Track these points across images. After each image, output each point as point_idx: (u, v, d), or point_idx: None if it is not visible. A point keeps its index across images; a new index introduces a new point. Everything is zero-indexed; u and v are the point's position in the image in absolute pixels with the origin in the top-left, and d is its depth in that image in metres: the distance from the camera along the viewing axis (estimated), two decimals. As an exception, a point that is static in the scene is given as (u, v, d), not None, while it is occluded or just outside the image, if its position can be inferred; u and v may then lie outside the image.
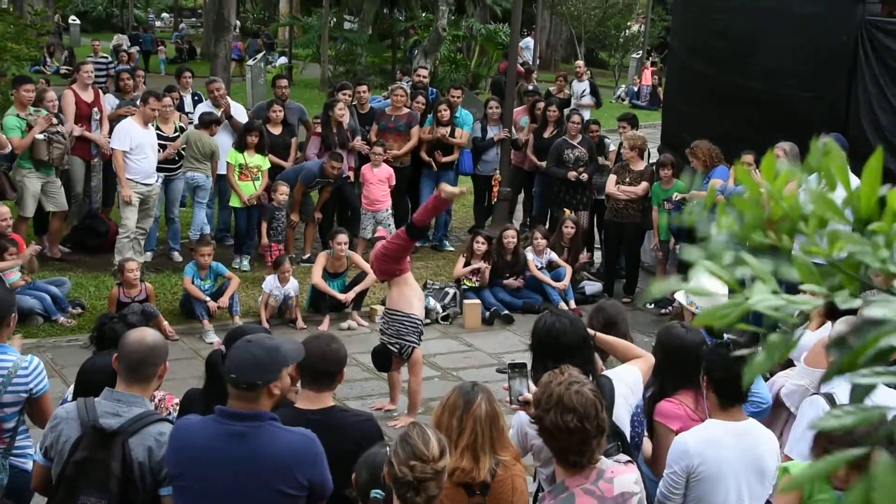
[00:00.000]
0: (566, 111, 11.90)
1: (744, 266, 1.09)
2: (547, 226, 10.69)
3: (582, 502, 2.98)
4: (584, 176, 10.26)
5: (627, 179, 9.70)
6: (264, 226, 9.76)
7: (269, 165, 10.15)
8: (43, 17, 16.70)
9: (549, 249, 9.69)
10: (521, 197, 12.11)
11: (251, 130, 10.05)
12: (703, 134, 9.27)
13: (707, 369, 3.75)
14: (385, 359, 6.66)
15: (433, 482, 2.87)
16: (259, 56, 20.53)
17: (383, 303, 8.16)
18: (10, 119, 9.14)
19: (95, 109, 10.17)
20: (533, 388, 3.37)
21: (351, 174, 10.59)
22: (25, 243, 8.42)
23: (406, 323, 6.53)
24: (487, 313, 9.12)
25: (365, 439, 3.50)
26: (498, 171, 11.63)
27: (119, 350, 3.48)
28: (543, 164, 10.77)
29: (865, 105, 8.34)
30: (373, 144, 10.48)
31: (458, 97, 11.35)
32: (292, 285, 8.78)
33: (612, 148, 11.22)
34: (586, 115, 13.05)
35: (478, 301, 9.14)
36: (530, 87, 13.41)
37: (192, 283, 8.49)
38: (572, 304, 9.37)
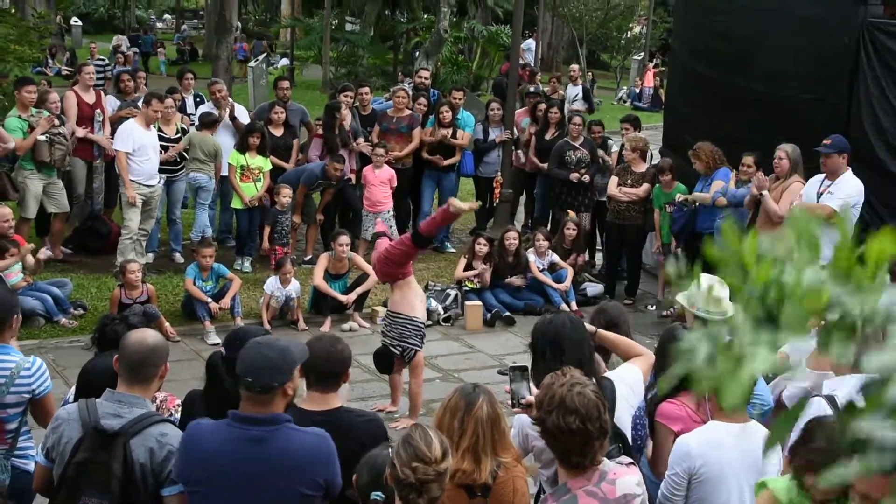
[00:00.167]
0: (567, 113, 11.91)
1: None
2: (548, 227, 10.68)
3: (584, 504, 2.97)
4: (586, 177, 10.26)
5: (629, 181, 9.70)
6: (267, 229, 9.75)
7: (270, 167, 10.16)
8: (45, 20, 16.72)
9: (550, 251, 9.69)
10: (522, 198, 12.11)
11: (253, 132, 10.06)
12: (704, 136, 9.26)
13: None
14: (387, 361, 6.65)
15: (435, 484, 2.88)
16: (261, 58, 20.53)
17: (385, 304, 8.16)
18: (12, 120, 9.15)
19: (97, 111, 10.18)
20: (535, 390, 3.37)
21: (352, 176, 10.60)
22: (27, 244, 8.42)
23: (408, 326, 6.52)
24: (489, 315, 9.12)
25: (371, 440, 3.51)
26: (499, 173, 11.64)
27: (120, 351, 3.48)
28: (545, 165, 10.77)
29: (867, 107, 8.33)
30: (374, 146, 10.48)
31: (460, 99, 11.36)
32: (294, 287, 8.78)
33: (615, 149, 11.21)
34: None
35: (479, 303, 9.14)
36: (532, 89, 13.41)
37: (194, 284, 8.49)
38: (574, 305, 9.37)
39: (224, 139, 10.41)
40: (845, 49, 8.42)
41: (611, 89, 30.08)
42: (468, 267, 9.41)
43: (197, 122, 10.43)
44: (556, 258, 9.70)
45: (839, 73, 8.50)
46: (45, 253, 8.19)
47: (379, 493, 3.02)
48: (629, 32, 31.08)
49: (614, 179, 9.81)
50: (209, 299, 8.44)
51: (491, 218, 11.85)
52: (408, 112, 11.02)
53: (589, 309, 8.30)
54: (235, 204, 10.09)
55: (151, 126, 9.41)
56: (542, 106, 11.51)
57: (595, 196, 10.48)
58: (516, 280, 9.51)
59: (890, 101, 8.24)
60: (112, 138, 9.79)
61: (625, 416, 3.73)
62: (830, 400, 3.89)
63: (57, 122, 9.28)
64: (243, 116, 10.93)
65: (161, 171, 9.55)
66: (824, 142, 7.59)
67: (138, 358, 3.44)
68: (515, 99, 11.85)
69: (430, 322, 8.34)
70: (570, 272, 9.61)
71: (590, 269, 10.71)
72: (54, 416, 3.57)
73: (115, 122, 10.14)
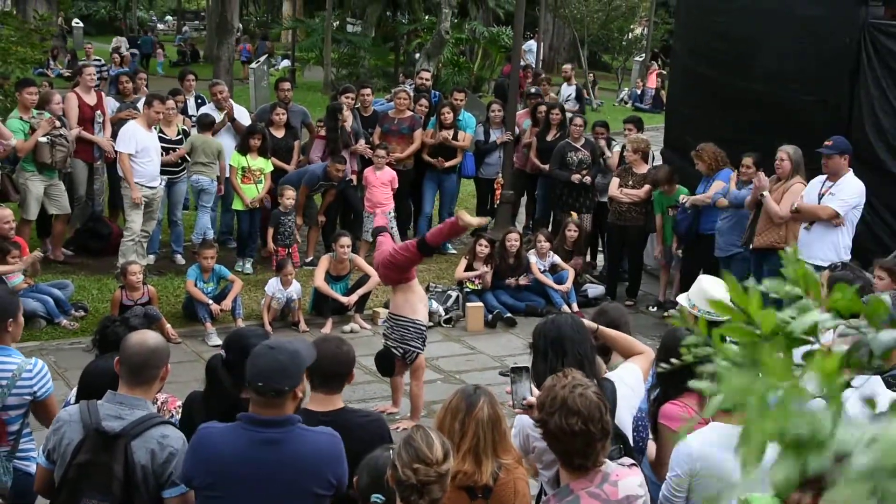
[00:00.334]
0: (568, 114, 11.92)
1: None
2: (549, 229, 10.68)
3: (586, 505, 2.97)
4: (588, 179, 10.26)
5: (630, 182, 9.70)
6: (270, 231, 9.74)
7: (271, 168, 10.16)
8: (47, 22, 16.73)
9: (551, 252, 9.69)
10: (523, 200, 12.12)
11: (254, 133, 10.07)
12: (705, 137, 9.26)
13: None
14: (388, 363, 6.65)
15: (437, 485, 2.88)
16: (262, 59, 20.55)
17: (386, 306, 8.16)
18: (14, 122, 9.16)
19: (98, 112, 10.18)
20: (535, 390, 3.37)
21: (354, 177, 10.61)
22: (28, 246, 8.43)
23: (410, 328, 6.51)
24: (490, 316, 9.11)
25: (375, 440, 3.53)
26: (500, 175, 11.64)
27: (120, 353, 3.48)
28: (546, 166, 10.77)
29: (868, 108, 8.32)
30: (376, 147, 10.49)
31: (461, 100, 11.36)
32: (295, 288, 8.78)
33: (616, 149, 11.21)
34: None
35: (480, 304, 9.13)
36: (532, 90, 13.41)
37: (195, 285, 8.49)
38: (575, 306, 9.36)
39: (225, 141, 10.41)
40: (846, 50, 8.41)
41: (612, 90, 30.07)
42: (469, 268, 9.41)
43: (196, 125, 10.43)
44: (557, 259, 9.69)
45: (840, 74, 8.49)
46: (37, 254, 8.18)
47: (379, 495, 3.02)
48: (630, 34, 31.05)
49: (615, 181, 9.80)
50: (210, 301, 8.44)
51: (492, 219, 11.86)
52: (409, 113, 11.02)
53: (590, 310, 8.29)
54: (236, 205, 10.10)
55: (152, 127, 9.42)
56: (543, 107, 11.50)
57: (596, 197, 10.48)
58: (517, 281, 9.51)
59: (891, 101, 8.24)
60: (112, 140, 9.80)
61: (626, 417, 3.73)
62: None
63: (58, 123, 9.29)
64: (244, 118, 10.93)
65: (162, 172, 9.55)
66: (826, 143, 7.59)
67: (139, 360, 3.44)
68: (517, 100, 11.84)
69: (431, 323, 8.34)
70: (571, 273, 9.60)
71: (591, 270, 10.71)
72: (56, 417, 3.57)
73: (115, 123, 10.16)
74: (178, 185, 10.12)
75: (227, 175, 10.16)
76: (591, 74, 27.47)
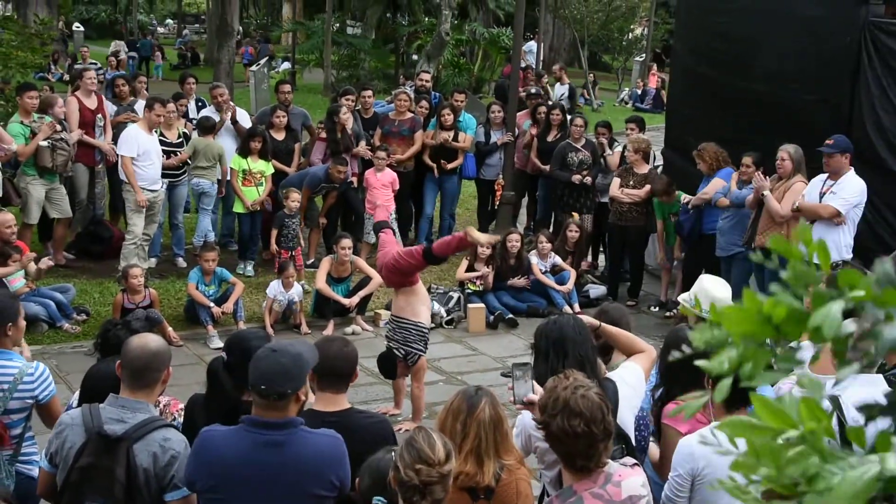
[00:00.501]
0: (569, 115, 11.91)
1: None
2: (550, 229, 10.68)
3: (589, 506, 2.97)
4: (588, 179, 10.26)
5: (631, 182, 9.70)
6: (274, 233, 9.72)
7: (272, 171, 10.17)
8: (48, 26, 16.72)
9: (552, 253, 9.69)
10: (524, 200, 12.11)
11: (254, 136, 10.07)
12: (706, 136, 9.26)
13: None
14: (390, 365, 6.65)
15: (439, 486, 2.88)
16: (262, 61, 20.57)
17: (388, 307, 8.16)
18: (14, 126, 9.16)
19: (99, 116, 10.19)
20: (538, 388, 3.37)
21: (354, 179, 10.60)
22: (30, 250, 8.42)
23: (412, 330, 6.52)
24: (491, 317, 9.11)
25: (379, 441, 3.53)
26: (501, 176, 11.63)
27: (122, 356, 3.48)
28: (547, 167, 10.77)
29: (869, 107, 8.32)
30: (376, 149, 10.48)
31: (462, 101, 11.36)
32: (296, 290, 8.78)
33: (618, 149, 11.20)
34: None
35: (482, 305, 9.13)
36: (532, 91, 13.42)
37: (197, 288, 8.49)
38: (576, 307, 9.36)
39: (225, 143, 10.41)
40: (847, 49, 8.41)
41: (612, 91, 30.07)
42: (470, 269, 9.41)
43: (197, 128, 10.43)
44: (558, 260, 9.69)
45: (840, 74, 8.49)
46: (46, 262, 8.16)
47: (381, 497, 3.02)
48: (630, 34, 31.05)
49: (616, 181, 9.80)
50: (212, 303, 8.44)
51: (493, 220, 11.85)
52: (409, 115, 11.02)
53: (591, 311, 8.29)
54: (237, 208, 10.10)
55: (153, 131, 9.43)
56: (543, 108, 11.50)
57: (597, 198, 10.48)
58: (519, 281, 9.51)
59: (891, 100, 8.23)
60: (112, 143, 9.80)
61: (628, 417, 3.73)
62: (834, 401, 3.88)
63: (59, 127, 9.30)
64: (245, 120, 10.93)
65: (163, 175, 9.55)
66: (827, 142, 7.58)
67: (141, 363, 3.44)
68: (517, 101, 11.85)
69: (432, 325, 8.33)
70: (572, 274, 9.60)
71: (592, 270, 10.70)
72: (58, 421, 3.58)
73: (114, 126, 10.17)
74: (178, 189, 10.12)
75: (228, 178, 10.17)
76: (592, 75, 27.47)
